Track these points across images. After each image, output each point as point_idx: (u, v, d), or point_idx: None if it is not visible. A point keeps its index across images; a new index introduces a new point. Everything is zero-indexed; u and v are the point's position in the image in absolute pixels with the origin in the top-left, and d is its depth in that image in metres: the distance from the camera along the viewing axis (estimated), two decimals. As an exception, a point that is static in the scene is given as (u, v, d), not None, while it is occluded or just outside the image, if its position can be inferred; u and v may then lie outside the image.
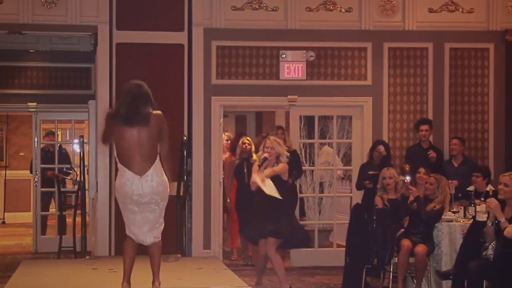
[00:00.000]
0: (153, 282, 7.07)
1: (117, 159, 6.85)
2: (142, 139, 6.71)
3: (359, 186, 10.83)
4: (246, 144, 11.22)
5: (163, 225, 7.06)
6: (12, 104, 13.49)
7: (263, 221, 8.90)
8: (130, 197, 6.77)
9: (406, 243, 9.04)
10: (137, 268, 7.15)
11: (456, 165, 10.92)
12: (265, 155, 8.87)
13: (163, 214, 7.04)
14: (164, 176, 6.90)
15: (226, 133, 12.52)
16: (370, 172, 10.41)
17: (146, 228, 6.92)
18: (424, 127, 11.03)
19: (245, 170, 11.03)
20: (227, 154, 11.92)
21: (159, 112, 6.84)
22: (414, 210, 9.26)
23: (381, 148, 10.68)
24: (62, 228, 12.02)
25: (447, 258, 9.00)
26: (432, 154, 10.70)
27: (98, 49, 11.03)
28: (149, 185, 6.74)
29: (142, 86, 6.86)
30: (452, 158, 11.02)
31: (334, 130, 11.64)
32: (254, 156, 10.69)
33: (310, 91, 11.32)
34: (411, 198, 9.41)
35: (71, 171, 13.19)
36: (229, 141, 12.18)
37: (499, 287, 7.76)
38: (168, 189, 6.99)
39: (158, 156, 6.83)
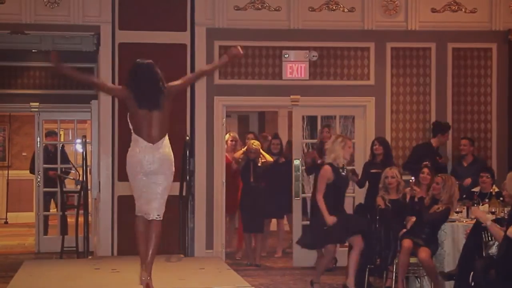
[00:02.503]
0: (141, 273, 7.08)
1: (131, 129, 7.14)
2: (155, 118, 7.05)
3: (360, 184, 10.81)
4: (254, 146, 11.46)
5: (164, 206, 7.20)
6: (15, 104, 13.49)
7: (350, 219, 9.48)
8: (141, 164, 7.03)
9: (406, 243, 9.00)
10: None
11: (465, 164, 10.91)
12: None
13: (166, 196, 7.20)
14: (171, 151, 7.17)
15: (231, 133, 12.54)
16: (372, 171, 10.40)
17: (153, 198, 7.09)
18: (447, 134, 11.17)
19: (251, 171, 11.35)
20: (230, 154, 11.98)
21: (164, 90, 7.11)
22: (418, 211, 9.23)
23: (375, 143, 10.67)
24: (64, 228, 12.01)
25: (449, 258, 8.97)
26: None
27: (100, 49, 11.02)
28: (160, 152, 7.05)
29: (153, 69, 7.12)
30: (461, 158, 11.01)
31: (337, 130, 11.62)
32: (267, 156, 11.62)
33: (312, 91, 11.31)
34: (418, 196, 9.37)
35: (72, 170, 13.18)
36: (233, 142, 12.23)
37: (504, 285, 7.75)
38: (173, 168, 7.16)
39: (167, 132, 7.15)
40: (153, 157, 7.02)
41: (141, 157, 7.02)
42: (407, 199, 9.49)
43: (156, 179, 7.06)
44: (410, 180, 9.58)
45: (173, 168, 7.20)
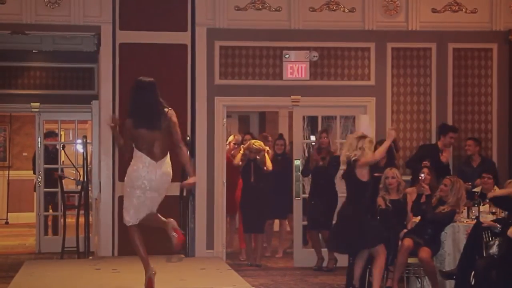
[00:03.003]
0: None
1: (134, 147, 7.27)
2: (157, 137, 7.20)
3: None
4: (255, 146, 11.36)
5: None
6: (15, 104, 13.49)
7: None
8: (142, 180, 7.18)
9: (406, 242, 8.98)
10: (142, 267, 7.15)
11: (475, 165, 10.89)
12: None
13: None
14: (171, 170, 7.32)
15: (235, 136, 12.48)
16: (375, 174, 10.36)
17: (148, 211, 7.31)
18: (454, 135, 11.10)
19: (252, 171, 11.29)
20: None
21: (167, 111, 7.22)
22: (424, 210, 9.20)
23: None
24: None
25: (450, 258, 8.97)
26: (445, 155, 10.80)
27: (101, 49, 11.03)
28: (162, 170, 7.22)
29: (152, 89, 7.24)
30: (469, 158, 11.00)
31: (338, 130, 11.62)
32: (268, 162, 11.38)
33: (313, 91, 11.31)
34: (426, 193, 9.35)
35: (73, 171, 13.16)
36: (236, 145, 12.19)
37: (505, 284, 7.76)
38: (169, 182, 7.37)
39: (168, 151, 7.31)
40: (156, 175, 7.19)
41: (144, 173, 7.18)
42: (410, 198, 9.46)
43: (153, 195, 7.25)
44: (420, 177, 9.55)
45: (168, 186, 7.40)
